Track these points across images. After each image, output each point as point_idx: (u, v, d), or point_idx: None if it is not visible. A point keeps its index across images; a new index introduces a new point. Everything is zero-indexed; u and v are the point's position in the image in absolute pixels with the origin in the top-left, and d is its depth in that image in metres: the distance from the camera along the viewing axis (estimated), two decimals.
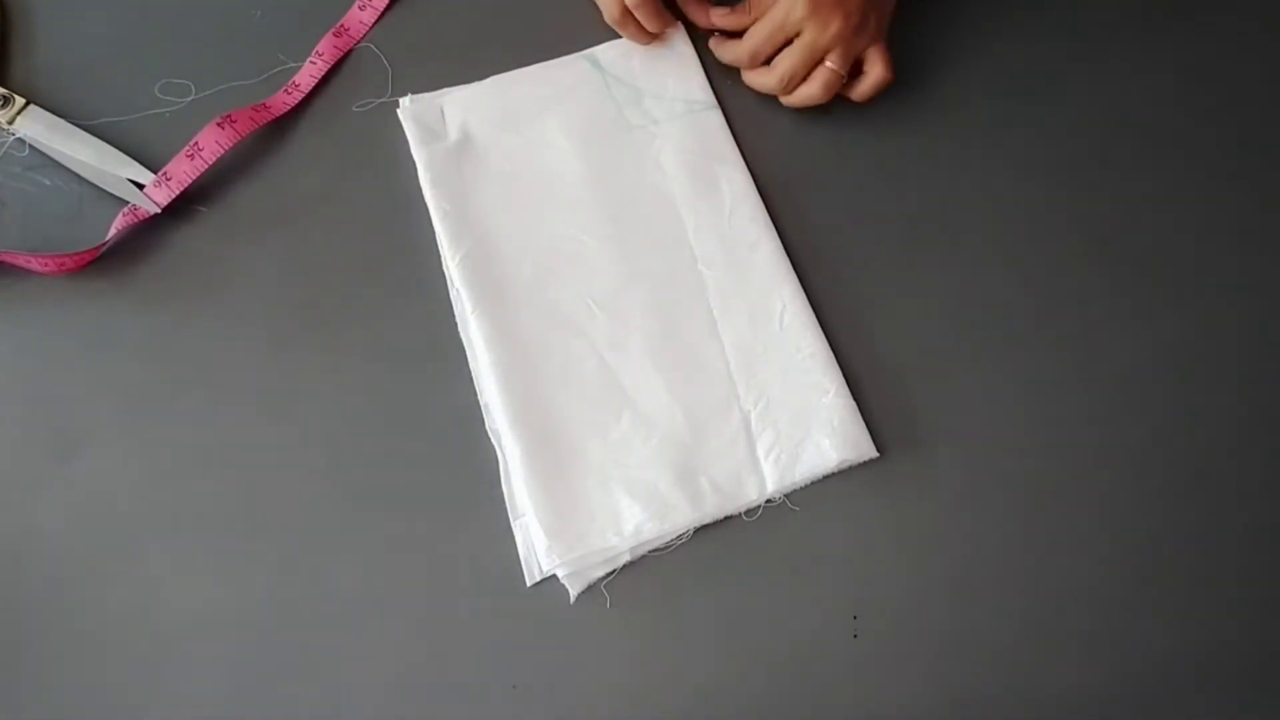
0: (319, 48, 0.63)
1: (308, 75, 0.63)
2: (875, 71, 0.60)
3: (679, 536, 0.52)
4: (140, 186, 0.59)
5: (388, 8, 0.65)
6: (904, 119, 0.62)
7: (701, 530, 0.53)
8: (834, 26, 0.58)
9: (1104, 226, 0.60)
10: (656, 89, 0.62)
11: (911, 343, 0.57)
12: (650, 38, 0.63)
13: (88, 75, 0.63)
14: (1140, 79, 0.63)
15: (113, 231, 0.57)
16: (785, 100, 0.61)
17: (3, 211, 0.59)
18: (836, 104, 0.61)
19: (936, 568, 0.52)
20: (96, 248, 0.57)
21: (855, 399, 0.55)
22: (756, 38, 0.60)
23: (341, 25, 0.64)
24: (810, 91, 0.60)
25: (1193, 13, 0.65)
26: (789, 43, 0.60)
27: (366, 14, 0.65)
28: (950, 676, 0.51)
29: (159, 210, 0.58)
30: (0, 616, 0.52)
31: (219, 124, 0.59)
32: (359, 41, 0.64)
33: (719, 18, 0.63)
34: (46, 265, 0.57)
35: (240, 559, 0.52)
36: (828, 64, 0.59)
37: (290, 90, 0.62)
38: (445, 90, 0.62)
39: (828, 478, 0.54)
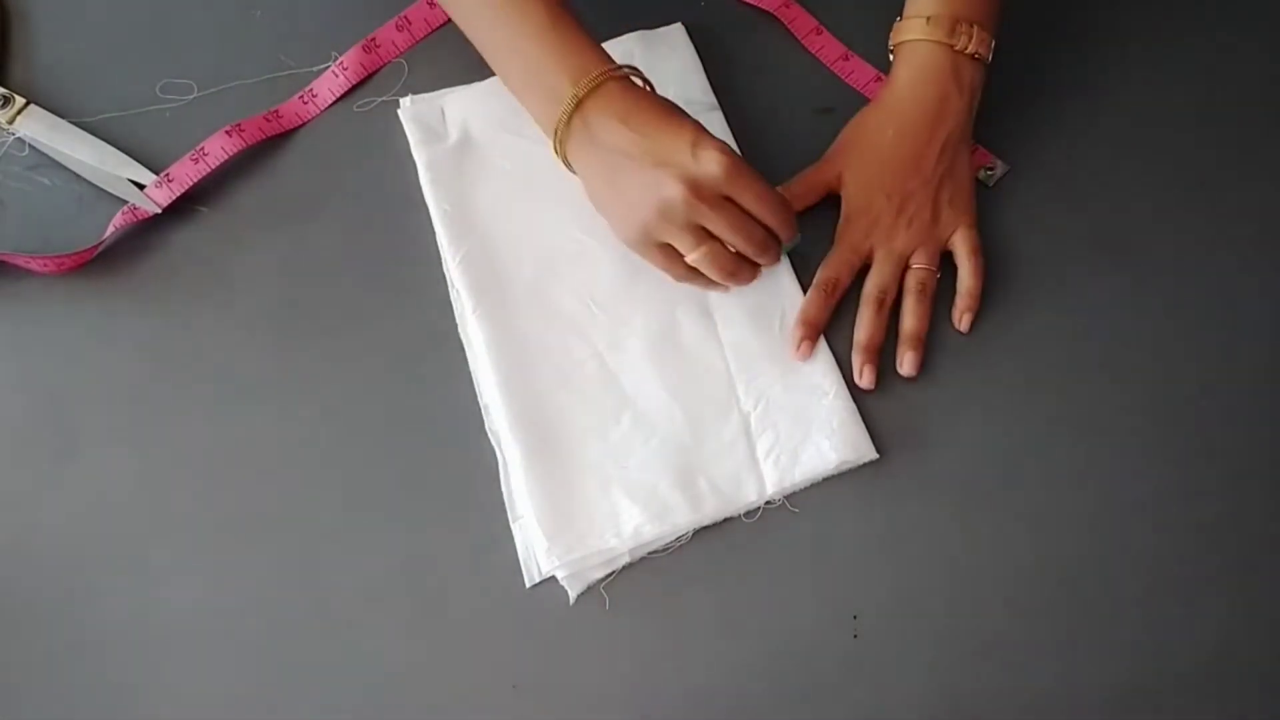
0: (344, 60, 0.62)
1: (327, 86, 0.62)
2: (965, 266, 0.56)
3: (678, 538, 0.52)
4: (140, 186, 0.59)
5: (425, 36, 0.64)
6: None
7: (701, 532, 0.53)
8: (901, 235, 0.56)
9: (1104, 227, 0.60)
10: (657, 90, 0.62)
11: None
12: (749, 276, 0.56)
13: (88, 75, 0.63)
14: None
15: (110, 230, 0.57)
16: (903, 333, 0.56)
17: (3, 211, 0.59)
18: (831, 99, 0.61)
19: (936, 568, 0.52)
20: (94, 246, 0.57)
21: (855, 401, 0.55)
22: (833, 265, 0.56)
23: (373, 40, 0.63)
24: (910, 306, 0.56)
25: None
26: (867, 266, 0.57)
27: (403, 36, 0.63)
28: (950, 676, 0.51)
29: (159, 210, 0.58)
30: (0, 616, 0.52)
31: (228, 132, 0.59)
32: (388, 62, 0.63)
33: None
34: (46, 265, 0.56)
35: (240, 559, 0.52)
36: (914, 266, 0.56)
37: (306, 99, 0.62)
38: (446, 90, 0.62)
39: (827, 479, 0.54)
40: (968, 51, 0.55)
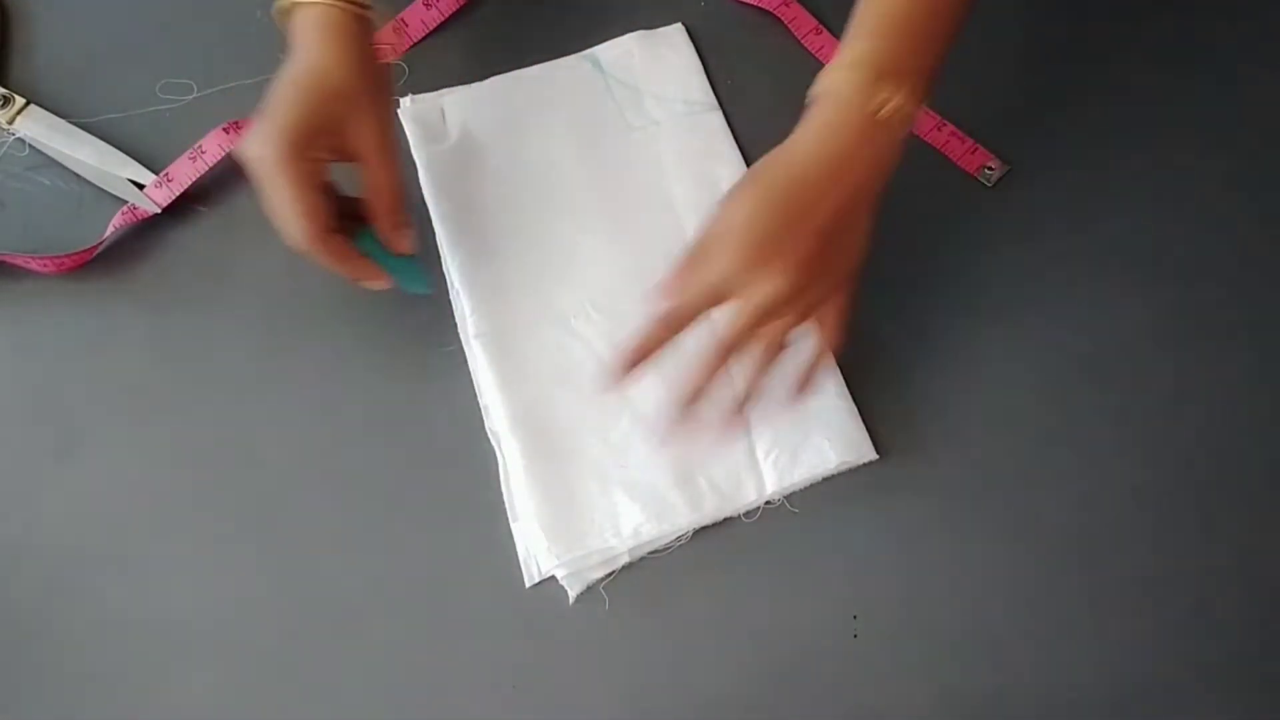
0: None
1: None
2: (820, 336, 0.51)
3: (678, 538, 0.52)
4: (140, 186, 0.59)
5: (423, 38, 0.64)
6: None
7: (700, 531, 0.53)
8: (770, 283, 0.48)
9: (1104, 227, 0.60)
10: (657, 90, 0.62)
11: (910, 346, 0.57)
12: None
13: (88, 75, 0.63)
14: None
15: (110, 229, 0.57)
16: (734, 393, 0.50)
17: (3, 211, 0.59)
18: None
19: (936, 569, 0.52)
20: (94, 246, 0.57)
21: (854, 401, 0.55)
22: (686, 298, 0.49)
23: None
24: (751, 365, 0.50)
25: None
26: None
27: (400, 38, 0.63)
28: (950, 676, 0.51)
29: (159, 210, 0.58)
30: (0, 616, 0.52)
31: (226, 130, 0.59)
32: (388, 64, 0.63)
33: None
34: (46, 265, 0.57)
35: (239, 559, 0.53)
36: (772, 324, 0.49)
37: None
38: (446, 90, 0.62)
39: (827, 479, 0.54)
40: (880, 117, 0.49)
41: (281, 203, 0.48)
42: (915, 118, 0.50)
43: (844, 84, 0.49)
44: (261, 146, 0.48)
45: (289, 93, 0.49)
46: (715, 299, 0.49)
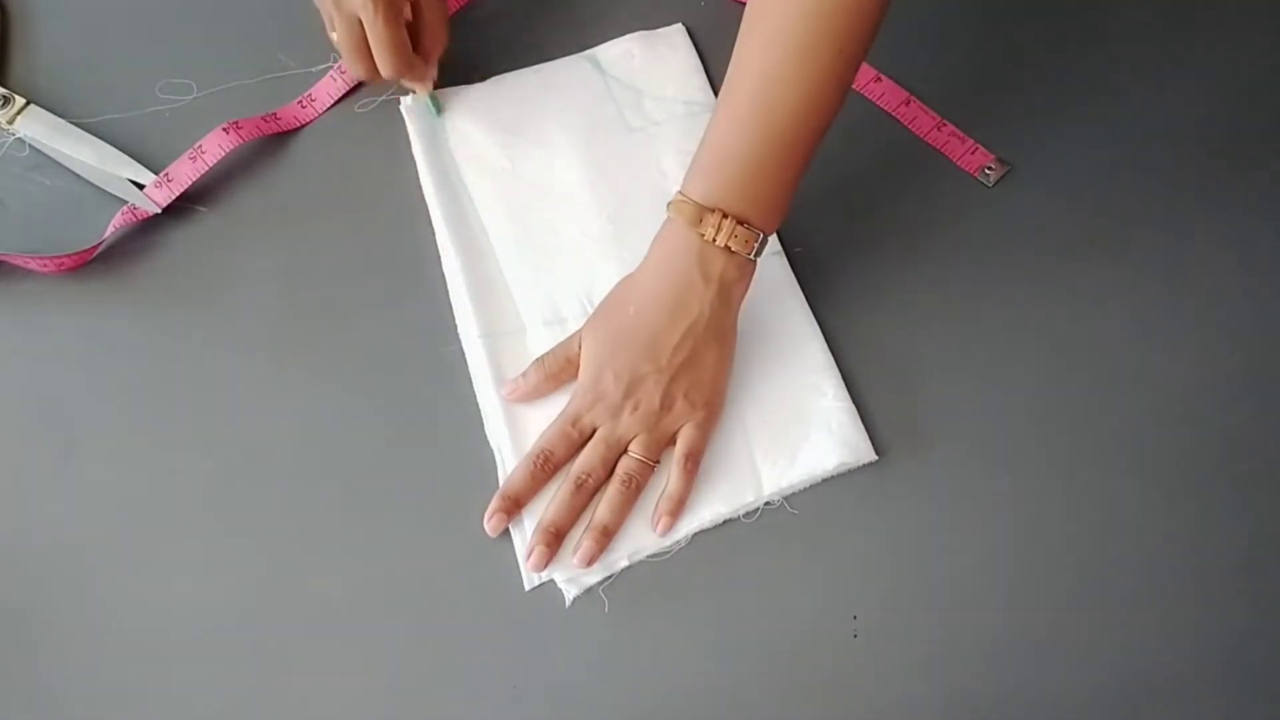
0: (342, 63, 0.62)
1: (325, 90, 0.62)
2: (675, 470, 0.52)
3: (676, 540, 0.52)
4: (140, 186, 0.59)
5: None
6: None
7: (699, 534, 0.53)
8: (622, 420, 0.51)
9: (1104, 227, 0.60)
10: (657, 90, 0.62)
11: (910, 346, 0.57)
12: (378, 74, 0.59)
13: (88, 75, 0.63)
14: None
15: (110, 229, 0.57)
16: (594, 521, 0.52)
17: (3, 211, 0.59)
18: None
19: (935, 569, 0.52)
20: (94, 246, 0.57)
21: (854, 402, 0.55)
22: (546, 437, 0.52)
23: None
24: (610, 495, 0.51)
25: None
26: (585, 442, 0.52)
27: None
28: (950, 677, 0.51)
29: (159, 210, 0.58)
30: (0, 616, 0.52)
31: (225, 130, 0.59)
32: None
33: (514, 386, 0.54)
34: (46, 265, 0.57)
35: (239, 560, 0.52)
36: (630, 454, 0.52)
37: (305, 104, 0.62)
38: (447, 90, 0.62)
39: (826, 481, 0.54)
40: (716, 244, 0.50)
41: (382, 38, 0.56)
42: (759, 241, 0.51)
43: (678, 212, 0.51)
44: None
45: None
46: (579, 437, 0.52)
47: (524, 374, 0.54)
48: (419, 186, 0.60)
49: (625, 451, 0.52)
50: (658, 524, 0.52)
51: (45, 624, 0.52)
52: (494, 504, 0.52)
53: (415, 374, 0.56)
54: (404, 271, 0.58)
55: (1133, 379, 0.56)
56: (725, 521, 0.53)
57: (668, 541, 0.52)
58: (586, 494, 0.52)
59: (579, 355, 0.54)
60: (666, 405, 0.52)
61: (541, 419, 0.54)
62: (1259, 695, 0.51)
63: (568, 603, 0.51)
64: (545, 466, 0.52)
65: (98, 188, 0.60)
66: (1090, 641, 0.51)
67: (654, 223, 0.59)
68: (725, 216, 0.50)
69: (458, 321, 0.57)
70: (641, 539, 0.52)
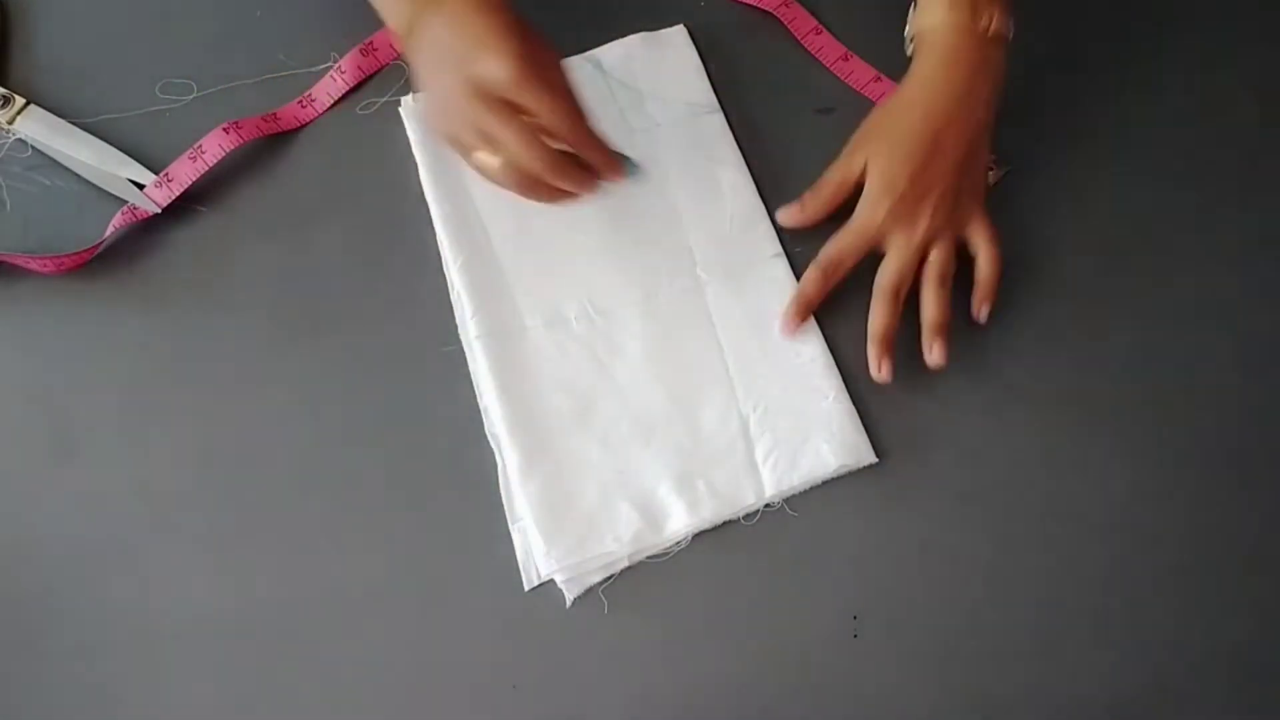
0: (342, 64, 0.62)
1: (325, 90, 0.62)
2: (983, 255, 0.55)
3: (677, 541, 0.52)
4: (140, 186, 0.59)
5: None
6: None
7: (699, 535, 0.53)
8: (922, 223, 0.54)
9: (1104, 228, 0.60)
10: (659, 92, 0.62)
11: (910, 347, 0.57)
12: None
13: (88, 75, 0.63)
14: None
15: (110, 229, 0.57)
16: (929, 323, 0.54)
17: (3, 211, 0.59)
18: (831, 100, 0.62)
19: (935, 571, 0.53)
20: (94, 246, 0.57)
21: (854, 404, 0.55)
22: (838, 246, 0.55)
23: (370, 44, 0.62)
24: (933, 296, 0.54)
25: None
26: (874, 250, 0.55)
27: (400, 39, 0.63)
28: (950, 677, 0.51)
29: (158, 210, 0.58)
30: (0, 616, 0.52)
31: (225, 129, 0.59)
32: (386, 65, 0.63)
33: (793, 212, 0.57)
34: (46, 265, 0.56)
35: (239, 560, 0.53)
36: (934, 255, 0.55)
37: (305, 104, 0.62)
38: None
39: (826, 483, 0.54)
40: (990, 33, 0.54)
41: (549, 108, 0.46)
42: (1010, 33, 0.55)
43: (949, 14, 0.54)
44: (518, 62, 0.45)
45: (502, 21, 0.46)
46: (869, 247, 0.54)
47: (800, 204, 0.57)
48: (419, 187, 0.60)
49: (925, 257, 0.55)
50: (979, 312, 0.55)
51: (46, 624, 0.52)
52: (790, 308, 0.55)
53: (415, 374, 0.56)
54: (404, 271, 0.58)
55: (1134, 379, 0.56)
56: (725, 523, 0.53)
57: (669, 541, 0.52)
58: (902, 300, 0.54)
59: (860, 172, 0.55)
60: (956, 203, 0.55)
61: (541, 419, 0.54)
62: (1259, 695, 0.51)
63: (568, 603, 0.51)
64: (836, 272, 0.55)
65: (98, 188, 0.59)
66: (1090, 642, 0.51)
67: (655, 224, 0.59)
68: (992, 3, 0.53)
69: (458, 321, 0.57)
70: (642, 539, 0.52)
